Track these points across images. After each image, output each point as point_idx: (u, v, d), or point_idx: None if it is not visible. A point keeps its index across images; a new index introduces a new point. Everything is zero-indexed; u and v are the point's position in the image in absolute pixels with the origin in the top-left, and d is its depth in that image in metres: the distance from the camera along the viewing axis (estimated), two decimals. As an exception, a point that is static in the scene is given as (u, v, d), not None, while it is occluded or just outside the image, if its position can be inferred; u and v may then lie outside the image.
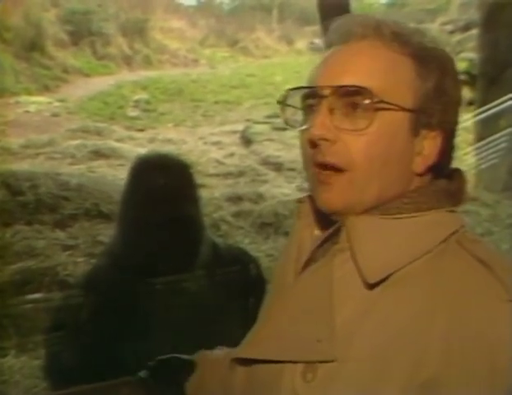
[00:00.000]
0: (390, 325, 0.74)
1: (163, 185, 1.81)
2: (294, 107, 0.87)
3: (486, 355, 0.69)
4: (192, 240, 1.86)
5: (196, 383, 1.19)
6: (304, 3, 20.16)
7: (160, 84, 14.86)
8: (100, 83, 14.05)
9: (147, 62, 16.85)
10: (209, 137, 10.95)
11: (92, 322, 1.74)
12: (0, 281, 3.58)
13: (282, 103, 0.87)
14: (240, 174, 7.83)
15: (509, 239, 5.01)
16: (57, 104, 12.08)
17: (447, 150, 0.85)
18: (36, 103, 11.66)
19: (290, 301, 0.85)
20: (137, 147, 8.93)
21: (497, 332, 0.70)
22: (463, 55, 15.46)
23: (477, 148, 7.98)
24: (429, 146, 0.83)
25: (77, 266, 3.92)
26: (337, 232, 0.83)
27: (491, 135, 7.46)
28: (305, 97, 0.85)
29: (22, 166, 6.90)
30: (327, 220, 0.86)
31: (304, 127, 0.84)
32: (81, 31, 15.46)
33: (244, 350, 0.89)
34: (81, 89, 13.35)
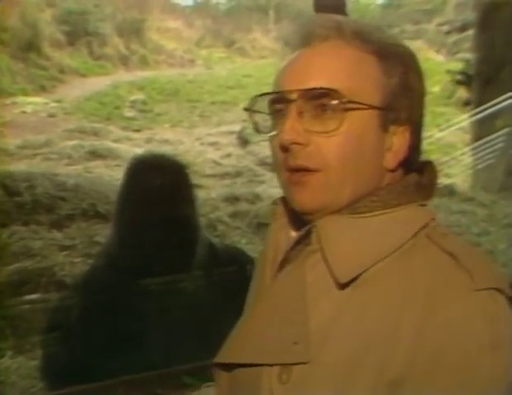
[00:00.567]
0: (361, 324, 0.74)
1: (159, 186, 1.81)
2: (262, 113, 0.86)
3: (455, 345, 0.70)
4: (187, 241, 1.86)
5: None
6: (301, 4, 20.16)
7: (156, 84, 14.86)
8: (97, 83, 14.05)
9: (144, 63, 16.86)
10: (206, 137, 10.97)
11: (88, 323, 1.74)
12: (-3, 281, 3.58)
13: (250, 110, 0.86)
14: (237, 174, 7.85)
15: (505, 239, 5.03)
16: (53, 104, 12.09)
17: (416, 143, 0.85)
18: (33, 103, 11.65)
19: (265, 304, 0.86)
20: (134, 148, 8.93)
21: (466, 322, 0.70)
22: (459, 55, 15.51)
23: (473, 148, 8.00)
24: (398, 141, 0.83)
25: (74, 266, 3.91)
26: (309, 233, 0.83)
27: (488, 135, 7.48)
28: (273, 102, 0.84)
29: (19, 167, 6.89)
30: (302, 221, 0.86)
31: (273, 132, 0.84)
32: (77, 31, 15.46)
33: (224, 354, 0.89)
34: (77, 89, 13.34)
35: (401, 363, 0.70)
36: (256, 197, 5.88)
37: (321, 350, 0.75)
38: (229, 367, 0.87)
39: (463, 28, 17.02)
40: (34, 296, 3.46)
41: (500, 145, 7.33)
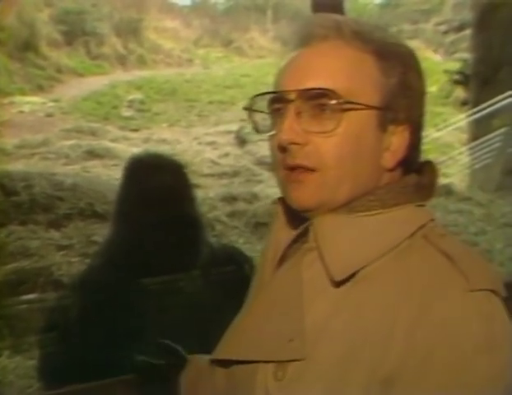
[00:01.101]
0: (356, 322, 0.74)
1: (159, 185, 1.81)
2: (261, 112, 0.87)
3: (449, 345, 0.69)
4: (194, 239, 1.86)
5: (189, 381, 1.19)
6: (299, 4, 20.18)
7: (154, 84, 14.86)
8: (94, 83, 14.04)
9: (141, 62, 16.85)
10: (203, 137, 10.97)
11: (87, 322, 1.74)
12: (-6, 281, 3.58)
13: (249, 109, 0.87)
14: (235, 174, 7.85)
15: (502, 238, 5.04)
16: (51, 104, 12.08)
17: (415, 143, 0.85)
18: (30, 103, 11.65)
19: (262, 301, 0.87)
20: (132, 147, 8.93)
21: (461, 322, 0.70)
22: (457, 55, 15.53)
23: (470, 148, 8.02)
24: (397, 140, 0.83)
25: (72, 266, 3.91)
26: (306, 231, 0.84)
27: (485, 135, 7.49)
28: (272, 102, 0.85)
29: (16, 166, 6.89)
30: (302, 220, 0.86)
31: (272, 132, 0.85)
32: (74, 31, 15.45)
33: (220, 350, 0.89)
34: (75, 89, 13.34)
35: (394, 361, 0.70)
36: (254, 197, 5.89)
37: (316, 348, 0.75)
38: (226, 363, 0.87)
39: (460, 28, 17.05)
40: (31, 296, 3.45)
41: (497, 144, 7.34)
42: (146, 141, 10.43)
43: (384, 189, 0.82)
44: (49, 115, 11.42)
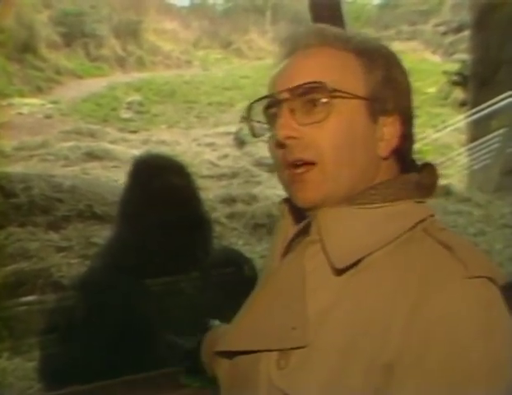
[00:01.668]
0: (358, 310, 0.76)
1: (164, 186, 1.81)
2: (258, 122, 0.93)
3: (448, 331, 0.71)
4: (199, 241, 1.87)
5: (208, 346, 1.23)
6: (298, 5, 20.19)
7: (153, 85, 14.86)
8: (93, 85, 14.04)
9: (140, 64, 16.85)
10: (203, 138, 10.97)
11: (89, 324, 1.74)
12: (-6, 283, 3.58)
13: (247, 118, 0.93)
14: (234, 175, 7.84)
15: (501, 239, 5.03)
16: (50, 105, 12.07)
17: (406, 134, 0.89)
18: (29, 105, 11.64)
19: (265, 293, 0.89)
20: (131, 149, 8.93)
21: (459, 308, 0.71)
22: (455, 56, 15.54)
23: (469, 149, 8.02)
24: (389, 131, 0.87)
25: (71, 267, 3.90)
26: (309, 225, 0.86)
27: (484, 136, 7.49)
28: (267, 107, 0.90)
29: (15, 168, 6.89)
30: (307, 216, 0.89)
31: (270, 134, 0.90)
32: (73, 33, 15.45)
33: (224, 342, 0.91)
34: (74, 90, 13.33)
35: (395, 347, 0.72)
36: (253, 198, 5.88)
37: (318, 336, 0.77)
38: (230, 354, 0.90)
39: (459, 29, 17.05)
40: (30, 298, 3.45)
41: (495, 145, 7.34)
42: (145, 142, 10.43)
43: (385, 184, 0.85)
44: (48, 117, 11.42)
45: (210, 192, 6.34)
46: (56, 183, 4.96)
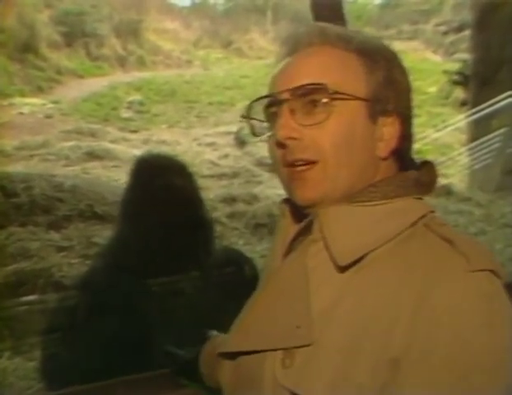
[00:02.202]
0: (362, 307, 0.77)
1: (167, 186, 1.81)
2: (259, 120, 0.92)
3: (451, 324, 0.71)
4: (201, 241, 1.87)
5: (206, 356, 1.24)
6: (298, 5, 20.18)
7: (153, 85, 14.86)
8: (94, 84, 14.04)
9: (141, 64, 16.85)
10: (203, 138, 10.97)
11: (89, 324, 1.74)
12: (-6, 282, 3.58)
13: (247, 117, 0.92)
14: (235, 175, 7.84)
15: (502, 239, 5.03)
16: (50, 105, 12.07)
17: (405, 134, 0.89)
18: (30, 104, 11.64)
19: (268, 292, 0.89)
20: (131, 148, 8.93)
21: (462, 301, 0.72)
22: (456, 56, 15.53)
23: (470, 148, 8.02)
24: (388, 131, 0.87)
25: (72, 267, 3.90)
26: (310, 224, 0.87)
27: (485, 135, 7.49)
28: (268, 106, 0.90)
29: (16, 168, 6.88)
30: (307, 216, 0.89)
31: (270, 133, 0.89)
32: (74, 32, 15.45)
33: (228, 343, 0.91)
34: (74, 90, 13.33)
35: (400, 343, 0.72)
36: (253, 198, 5.88)
37: (323, 334, 0.77)
38: (233, 355, 0.90)
39: (460, 28, 17.05)
40: (31, 297, 3.45)
41: (496, 145, 7.34)
42: (146, 142, 10.43)
43: (385, 182, 0.86)
44: (49, 117, 11.41)
45: (210, 191, 6.34)
46: (57, 183, 4.96)
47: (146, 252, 1.79)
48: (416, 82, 0.94)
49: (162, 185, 1.83)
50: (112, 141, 9.62)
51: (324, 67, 0.85)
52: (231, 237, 4.95)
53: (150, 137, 10.85)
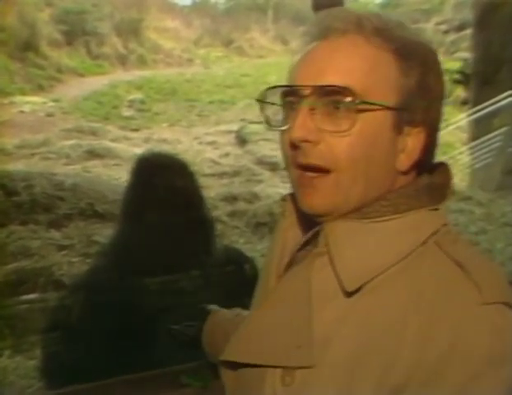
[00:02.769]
0: (365, 330, 0.73)
1: (168, 185, 1.81)
2: (274, 104, 0.83)
3: (458, 358, 0.68)
4: (202, 240, 1.87)
5: (209, 335, 1.23)
6: (299, 4, 20.17)
7: (154, 84, 14.86)
8: (95, 83, 14.04)
9: (142, 62, 16.85)
10: (204, 136, 10.96)
11: (89, 322, 1.74)
12: (-5, 281, 3.58)
13: (262, 101, 0.83)
14: (235, 173, 7.83)
15: (503, 238, 5.03)
16: (51, 104, 12.08)
17: (430, 145, 0.82)
18: (31, 103, 11.64)
19: (271, 304, 0.86)
20: (132, 147, 8.92)
21: (471, 335, 0.69)
22: (457, 55, 15.52)
23: (471, 147, 8.02)
24: (412, 142, 0.80)
25: (72, 266, 3.90)
26: (316, 235, 0.82)
27: (485, 134, 7.49)
28: (285, 95, 0.81)
29: (17, 166, 6.88)
30: (311, 220, 0.84)
31: (285, 127, 0.80)
32: (75, 31, 15.45)
33: (229, 352, 0.88)
34: (75, 89, 13.33)
35: (403, 371, 0.69)
36: (254, 197, 5.88)
37: (324, 355, 0.74)
38: (234, 365, 0.87)
39: (461, 27, 17.04)
40: (32, 296, 3.45)
41: (497, 144, 7.34)
42: (147, 140, 10.42)
43: (396, 193, 0.80)
44: (50, 115, 11.42)
45: (211, 190, 6.33)
46: (57, 182, 4.97)
47: (146, 251, 1.79)
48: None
49: (163, 184, 1.82)
50: (113, 140, 9.61)
51: (353, 68, 0.76)
52: (232, 236, 4.94)
53: (151, 136, 10.84)
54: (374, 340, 0.72)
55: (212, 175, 7.73)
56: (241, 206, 5.60)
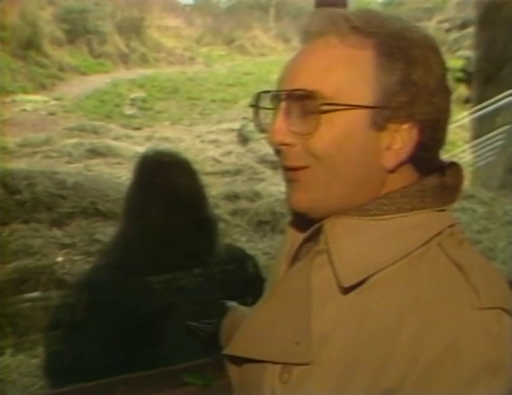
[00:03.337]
0: (362, 329, 0.74)
1: (171, 183, 1.81)
2: (266, 109, 0.85)
3: (452, 362, 0.68)
4: (205, 239, 1.87)
5: (227, 332, 1.21)
6: (301, 2, 20.15)
7: (156, 82, 14.84)
8: (97, 81, 14.03)
9: (144, 61, 16.83)
10: (206, 135, 10.95)
11: (92, 321, 1.74)
12: (-3, 279, 3.59)
13: (255, 106, 0.85)
14: (237, 172, 7.83)
15: (505, 237, 5.03)
16: (53, 102, 12.07)
17: (427, 143, 0.80)
18: (33, 101, 11.64)
19: (273, 300, 0.87)
20: (134, 145, 8.93)
21: (466, 340, 0.68)
22: (459, 53, 15.50)
23: (473, 146, 8.00)
24: (402, 139, 0.78)
25: (74, 264, 3.92)
26: (318, 233, 0.83)
27: (488, 133, 7.47)
28: (273, 98, 0.84)
29: (19, 165, 6.88)
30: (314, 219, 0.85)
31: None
32: (77, 29, 15.44)
33: (232, 346, 0.89)
34: (77, 87, 13.33)
35: (397, 372, 0.69)
36: (256, 195, 5.88)
37: (321, 352, 0.75)
38: (238, 360, 0.88)
39: (463, 26, 17.02)
40: (34, 294, 3.46)
41: (500, 142, 7.32)
42: (149, 139, 10.41)
43: (400, 192, 0.79)
44: (52, 114, 11.42)
45: (213, 188, 6.34)
46: (59, 180, 4.97)
47: (148, 249, 1.79)
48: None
49: (165, 182, 1.82)
50: (115, 138, 9.61)
51: (326, 70, 0.76)
52: (234, 234, 4.95)
53: (153, 134, 10.84)
54: (370, 340, 0.72)
55: (214, 173, 7.73)
56: (243, 204, 5.61)
